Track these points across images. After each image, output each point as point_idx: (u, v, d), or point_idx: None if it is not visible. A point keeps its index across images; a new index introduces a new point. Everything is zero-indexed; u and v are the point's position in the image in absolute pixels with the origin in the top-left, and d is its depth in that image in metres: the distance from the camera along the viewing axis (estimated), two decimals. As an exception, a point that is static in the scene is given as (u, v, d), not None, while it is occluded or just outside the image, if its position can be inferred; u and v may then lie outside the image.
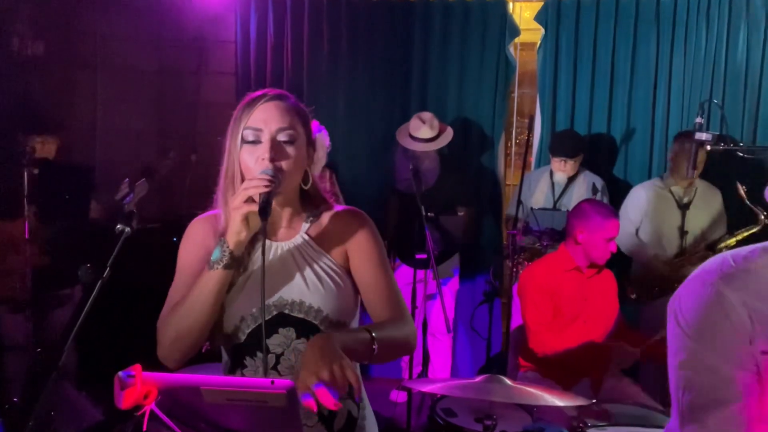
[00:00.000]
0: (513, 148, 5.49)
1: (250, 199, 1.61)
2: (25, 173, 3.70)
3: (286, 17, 5.16)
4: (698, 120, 3.28)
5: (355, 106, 5.14)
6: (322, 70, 5.14)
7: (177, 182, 4.80)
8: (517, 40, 5.08)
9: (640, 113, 4.88)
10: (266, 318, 1.67)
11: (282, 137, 1.70)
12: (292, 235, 1.80)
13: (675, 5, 4.74)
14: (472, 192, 4.92)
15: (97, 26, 5.03)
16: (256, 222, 1.64)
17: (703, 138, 3.25)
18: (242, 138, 1.70)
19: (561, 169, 4.56)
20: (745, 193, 3.80)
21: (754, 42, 4.66)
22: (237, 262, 1.69)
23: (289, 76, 5.17)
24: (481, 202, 5.06)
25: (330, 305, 1.73)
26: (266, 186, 1.60)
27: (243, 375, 1.74)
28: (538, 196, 4.66)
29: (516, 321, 3.70)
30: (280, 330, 1.71)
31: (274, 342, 1.71)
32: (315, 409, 1.36)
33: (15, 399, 3.75)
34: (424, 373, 4.55)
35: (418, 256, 4.09)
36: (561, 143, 4.58)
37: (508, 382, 2.36)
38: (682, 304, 1.24)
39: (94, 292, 1.97)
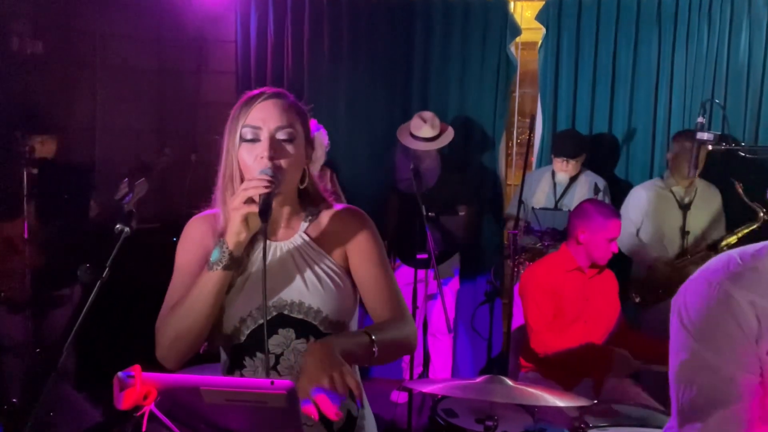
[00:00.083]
0: (514, 148, 5.49)
1: (249, 200, 1.60)
2: (25, 173, 3.69)
3: (286, 16, 5.15)
4: (700, 119, 3.27)
5: (355, 105, 5.13)
6: (322, 69, 5.13)
7: (177, 182, 4.79)
8: (518, 39, 5.07)
9: (642, 113, 4.87)
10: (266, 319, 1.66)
11: (281, 135, 1.69)
12: (291, 234, 1.80)
13: (677, 4, 4.73)
14: (472, 192, 4.91)
15: (97, 25, 5.02)
16: (256, 222, 1.63)
17: (705, 138, 3.24)
18: (241, 136, 1.69)
19: (563, 169, 4.55)
20: (742, 190, 3.80)
21: (756, 41, 4.65)
22: (236, 263, 1.68)
23: (289, 75, 5.16)
24: (482, 202, 5.05)
25: (329, 306, 1.73)
26: (266, 187, 1.59)
27: (242, 375, 1.74)
28: (539, 196, 4.65)
29: (517, 321, 3.69)
30: (280, 330, 1.71)
31: (274, 342, 1.70)
32: (316, 417, 1.36)
33: (14, 399, 3.73)
34: (424, 374, 4.54)
35: (418, 256, 4.09)
36: (563, 143, 4.57)
37: (509, 382, 2.35)
38: (687, 303, 1.23)
39: (94, 293, 1.96)
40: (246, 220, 1.63)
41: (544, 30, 4.96)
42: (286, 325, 1.71)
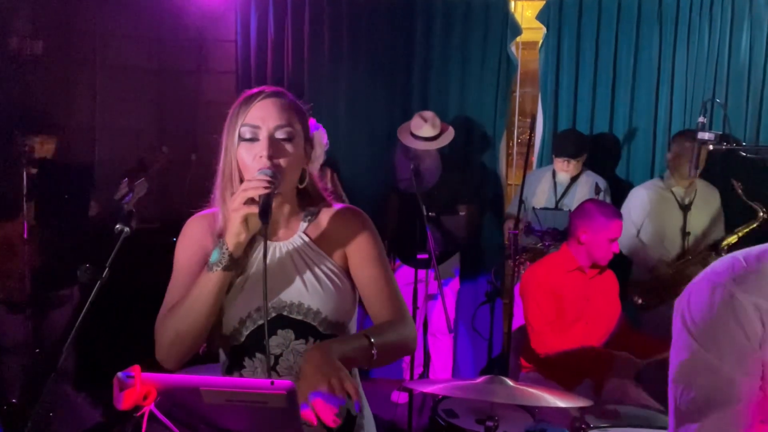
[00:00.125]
0: (515, 148, 5.48)
1: (249, 201, 1.59)
2: (24, 173, 3.68)
3: (286, 16, 5.14)
4: (701, 119, 3.26)
5: (355, 105, 5.13)
6: (322, 69, 5.12)
7: (177, 182, 4.79)
8: (518, 39, 5.07)
9: (643, 112, 4.86)
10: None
11: (280, 135, 1.68)
12: (290, 234, 1.79)
13: (677, 4, 4.73)
14: (473, 192, 4.90)
15: (97, 25, 5.01)
16: (256, 223, 1.63)
17: (706, 137, 3.23)
18: (239, 135, 1.68)
19: (564, 169, 4.54)
20: (741, 189, 3.80)
21: (757, 41, 4.65)
22: (236, 264, 1.67)
23: (289, 75, 5.15)
24: (483, 202, 5.05)
25: (328, 307, 1.72)
26: (266, 187, 1.58)
27: (241, 376, 1.73)
28: (540, 196, 4.64)
29: (518, 321, 3.69)
30: (279, 331, 1.70)
31: (273, 343, 1.70)
32: (314, 422, 1.35)
33: (14, 400, 3.73)
34: (425, 374, 4.54)
35: (419, 256, 4.08)
36: (564, 143, 4.57)
37: (510, 383, 2.35)
38: (691, 305, 1.22)
39: (93, 293, 1.96)
40: (246, 221, 1.62)
41: (544, 29, 4.95)
42: (285, 326, 1.71)
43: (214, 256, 1.65)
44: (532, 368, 3.43)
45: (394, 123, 4.89)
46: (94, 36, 5.03)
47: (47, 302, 3.97)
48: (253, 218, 1.61)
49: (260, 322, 1.68)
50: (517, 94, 5.36)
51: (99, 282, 2.00)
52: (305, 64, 5.13)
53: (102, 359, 2.97)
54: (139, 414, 1.28)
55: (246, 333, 1.71)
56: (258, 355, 1.71)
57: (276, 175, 1.63)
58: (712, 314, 1.17)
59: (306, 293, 1.71)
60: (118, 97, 5.12)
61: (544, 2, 4.93)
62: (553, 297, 3.34)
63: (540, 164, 5.01)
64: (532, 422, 2.76)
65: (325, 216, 1.83)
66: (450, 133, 4.65)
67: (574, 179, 4.58)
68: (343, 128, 5.07)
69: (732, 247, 4.05)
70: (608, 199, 4.50)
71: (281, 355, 1.71)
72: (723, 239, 4.08)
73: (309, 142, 1.78)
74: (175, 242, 1.81)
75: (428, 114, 4.60)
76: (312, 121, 1.82)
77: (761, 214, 3.91)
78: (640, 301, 4.20)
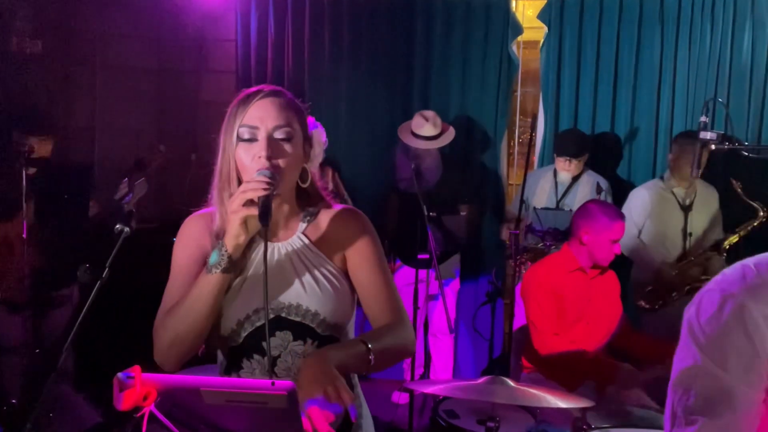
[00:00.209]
0: (516, 147, 5.47)
1: (248, 202, 1.58)
2: (24, 173, 3.67)
3: (286, 15, 5.14)
4: (703, 119, 3.26)
5: (356, 104, 5.12)
6: (323, 68, 5.12)
7: (177, 182, 4.78)
8: (519, 38, 5.07)
9: (644, 112, 4.86)
10: (264, 321, 1.64)
11: (279, 135, 1.67)
12: (289, 235, 1.78)
13: (679, 4, 4.72)
14: (474, 191, 4.90)
15: (96, 25, 5.01)
16: (255, 225, 1.62)
17: (708, 137, 3.22)
18: (238, 136, 1.67)
19: (565, 168, 4.53)
20: (741, 189, 3.80)
21: (758, 40, 4.65)
22: (235, 266, 1.67)
23: (289, 74, 5.15)
24: (484, 202, 5.04)
25: (327, 308, 1.71)
26: (265, 189, 1.57)
27: (239, 377, 1.73)
28: (541, 196, 4.63)
29: (519, 322, 3.68)
30: (277, 333, 1.70)
31: (272, 345, 1.69)
32: (309, 430, 1.35)
33: (13, 401, 3.72)
34: (425, 375, 4.53)
35: (419, 256, 4.07)
36: (566, 142, 4.56)
37: (511, 383, 2.34)
38: (700, 314, 1.19)
39: (93, 293, 1.95)
40: (245, 222, 1.61)
41: (546, 29, 4.95)
42: (283, 328, 1.70)
43: (213, 258, 1.64)
44: (534, 369, 3.42)
45: (394, 123, 4.88)
46: (94, 36, 5.03)
47: (47, 302, 3.95)
48: (252, 220, 1.60)
49: (258, 323, 1.68)
50: (518, 93, 5.36)
51: (99, 282, 1.99)
52: (305, 64, 5.13)
53: (102, 359, 2.97)
54: (139, 414, 1.28)
55: (244, 334, 1.70)
56: (256, 356, 1.70)
57: (275, 175, 1.62)
58: (720, 326, 1.15)
59: (304, 295, 1.71)
60: (117, 96, 5.11)
61: (546, 1, 4.93)
62: (554, 297, 3.33)
63: (541, 164, 5.01)
64: (533, 423, 2.75)
65: (324, 217, 1.82)
66: (451, 133, 4.64)
67: (575, 179, 4.58)
68: (343, 128, 5.07)
69: (733, 247, 4.06)
70: (609, 199, 4.49)
71: (279, 356, 1.70)
72: (725, 239, 4.08)
73: (308, 141, 1.77)
74: (174, 242, 1.80)
75: (429, 113, 4.59)
76: (310, 119, 1.81)
77: (762, 213, 3.91)
78: (645, 304, 4.18)
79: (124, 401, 1.25)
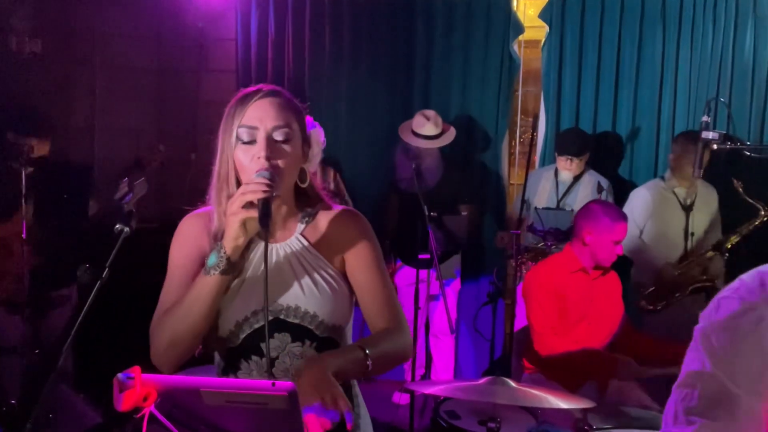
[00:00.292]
0: (517, 147, 5.46)
1: (247, 204, 1.57)
2: (23, 172, 3.67)
3: (287, 14, 5.13)
4: (704, 118, 3.25)
5: (356, 104, 5.12)
6: (323, 67, 5.11)
7: (176, 182, 4.77)
8: (521, 37, 5.06)
9: (646, 112, 4.85)
10: (263, 323, 1.64)
11: (278, 135, 1.66)
12: (287, 236, 1.78)
13: (681, 2, 4.72)
14: (475, 191, 4.89)
15: (96, 23, 5.01)
16: (254, 227, 1.61)
17: (710, 136, 3.22)
18: (237, 136, 1.66)
19: (567, 167, 4.52)
20: (742, 188, 3.79)
21: (760, 39, 4.65)
22: (234, 268, 1.66)
23: (290, 74, 5.14)
24: (485, 202, 5.03)
25: (325, 310, 1.71)
26: (265, 191, 1.56)
27: (237, 378, 1.72)
28: (542, 195, 4.62)
29: (520, 322, 3.66)
30: (276, 335, 1.69)
31: (270, 346, 1.68)
32: None
33: (13, 401, 3.71)
34: (426, 375, 4.52)
35: (420, 256, 4.06)
36: (567, 141, 4.55)
37: (512, 384, 2.35)
38: (715, 319, 1.17)
39: (93, 293, 1.94)
40: (244, 224, 1.60)
41: (547, 28, 4.94)
42: (282, 330, 1.70)
43: (212, 260, 1.63)
44: (535, 369, 3.41)
45: (395, 122, 4.87)
46: (94, 35, 5.03)
47: (46, 302, 3.95)
48: (251, 221, 1.59)
49: (257, 325, 1.68)
50: (520, 93, 5.36)
51: (99, 282, 1.98)
52: (306, 63, 5.12)
53: (102, 360, 2.96)
54: (139, 415, 1.28)
55: (243, 336, 1.70)
56: (254, 357, 1.70)
57: (274, 177, 1.61)
58: (735, 335, 1.13)
59: (303, 297, 1.70)
60: (117, 96, 5.11)
61: (547, 0, 4.92)
62: (555, 298, 3.32)
63: (542, 164, 5.00)
64: (534, 424, 2.75)
65: (323, 218, 1.81)
66: (451, 133, 4.64)
67: (576, 179, 4.57)
68: (343, 128, 5.07)
69: (734, 247, 4.05)
70: (611, 199, 4.48)
71: (277, 357, 1.70)
72: (727, 239, 4.07)
73: (306, 141, 1.76)
74: None
75: (430, 113, 4.59)
76: (309, 119, 1.81)
77: (763, 213, 3.91)
78: (647, 305, 4.17)
79: (124, 402, 1.25)
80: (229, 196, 1.65)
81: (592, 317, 3.38)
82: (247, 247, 1.70)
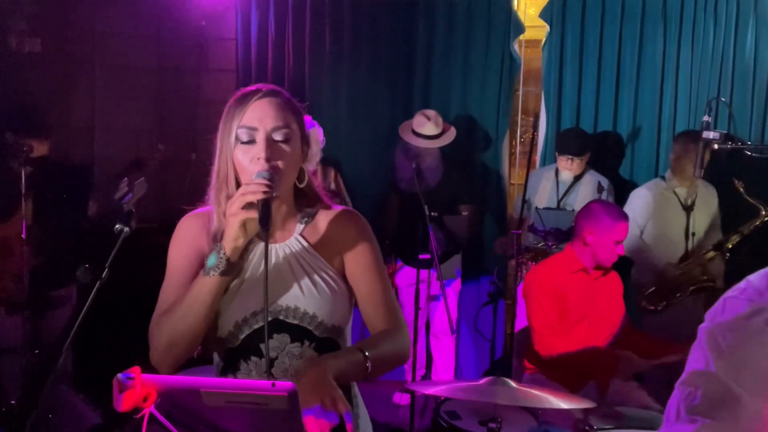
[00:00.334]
0: (518, 147, 5.46)
1: (247, 205, 1.57)
2: (22, 172, 3.66)
3: (287, 14, 5.13)
4: (705, 118, 3.25)
5: (357, 103, 5.11)
6: (324, 67, 5.11)
7: (176, 182, 4.76)
8: (521, 37, 5.05)
9: (647, 111, 4.85)
10: (262, 324, 1.64)
11: (277, 136, 1.66)
12: (286, 236, 1.77)
13: (682, 2, 4.72)
14: (475, 191, 4.88)
15: (96, 23, 5.00)
16: (254, 227, 1.61)
17: (711, 136, 3.21)
18: (236, 137, 1.65)
19: (567, 167, 4.51)
20: (743, 188, 3.79)
21: (762, 39, 4.64)
22: (233, 268, 1.66)
23: (290, 73, 5.14)
24: (485, 202, 5.03)
25: (325, 311, 1.71)
26: (265, 192, 1.56)
27: (235, 378, 1.72)
28: (542, 195, 4.62)
29: (521, 322, 3.66)
30: (275, 335, 1.69)
31: (269, 346, 1.68)
32: None
33: (12, 402, 3.71)
34: (427, 376, 4.51)
35: (421, 256, 4.06)
36: (568, 141, 4.54)
37: (513, 384, 2.34)
38: (722, 320, 1.16)
39: (93, 293, 1.93)
40: (244, 225, 1.60)
41: (547, 27, 4.94)
42: (281, 330, 1.70)
43: (211, 261, 1.63)
44: (536, 370, 3.41)
45: (395, 122, 4.87)
46: (93, 34, 5.02)
47: (46, 303, 3.94)
48: (251, 222, 1.59)
49: (256, 326, 1.68)
50: (520, 92, 5.35)
51: (98, 282, 1.98)
52: (306, 63, 5.11)
53: (101, 360, 2.95)
54: (138, 416, 1.28)
55: (242, 337, 1.70)
56: (253, 358, 1.70)
57: (274, 177, 1.61)
58: (742, 336, 1.13)
59: (302, 297, 1.70)
60: (117, 96, 5.11)
61: (548, 0, 4.91)
62: (555, 298, 3.32)
63: (543, 163, 4.99)
64: (535, 424, 2.75)
65: (322, 218, 1.81)
66: (452, 133, 4.63)
67: (577, 178, 4.56)
68: (344, 127, 5.06)
69: (735, 247, 4.04)
70: (611, 199, 4.47)
71: (276, 358, 1.70)
72: (728, 239, 4.06)
73: (305, 141, 1.76)
74: None
75: (431, 112, 4.58)
76: (307, 118, 1.80)
77: (764, 212, 3.90)
78: (648, 306, 4.16)
79: (123, 402, 1.25)
80: (229, 197, 1.64)
81: (593, 317, 3.37)
82: (246, 247, 1.70)
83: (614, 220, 3.29)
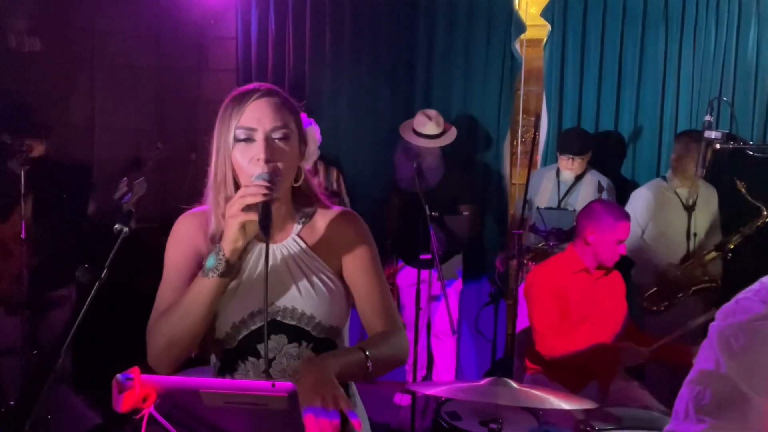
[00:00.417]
0: (519, 147, 5.45)
1: (247, 207, 1.56)
2: (21, 172, 3.65)
3: (287, 13, 5.13)
4: (707, 118, 3.24)
5: (357, 103, 5.10)
6: (324, 66, 5.10)
7: (176, 181, 4.76)
8: (523, 36, 5.05)
9: (648, 111, 4.84)
10: (260, 324, 1.64)
11: (276, 136, 1.65)
12: (284, 237, 1.77)
13: (684, 1, 4.72)
14: (476, 191, 4.88)
15: (95, 22, 5.00)
16: (253, 229, 1.60)
17: (713, 136, 3.21)
18: (234, 137, 1.64)
19: (568, 167, 4.50)
20: (744, 188, 3.78)
21: (764, 38, 4.64)
22: (232, 270, 1.65)
23: (290, 72, 5.13)
24: (486, 202, 5.02)
25: (322, 311, 1.71)
26: (265, 194, 1.55)
27: (233, 378, 1.72)
28: (543, 195, 4.61)
29: (522, 323, 3.65)
30: (273, 336, 1.69)
31: (267, 347, 1.67)
32: None
33: (11, 402, 3.70)
34: (428, 376, 4.51)
35: (422, 257, 4.05)
36: (569, 140, 4.54)
37: (514, 384, 2.34)
38: (734, 321, 1.16)
39: (92, 293, 1.92)
40: (243, 227, 1.59)
41: (549, 27, 4.93)
42: (279, 331, 1.69)
43: (210, 262, 1.62)
44: (537, 370, 3.40)
45: (396, 121, 4.85)
46: (93, 33, 5.02)
47: (45, 303, 3.94)
48: (250, 224, 1.59)
49: (254, 326, 1.67)
50: (521, 92, 5.35)
51: (98, 282, 1.97)
52: (306, 62, 5.11)
53: (101, 361, 2.95)
54: (138, 416, 1.27)
55: (239, 338, 1.69)
56: (251, 358, 1.70)
57: (274, 178, 1.60)
58: (755, 338, 1.12)
59: (300, 298, 1.70)
60: (117, 95, 5.11)
61: (549, -1, 4.91)
62: (557, 298, 3.31)
63: (544, 163, 4.99)
64: (536, 425, 2.74)
65: (320, 219, 1.80)
66: (452, 133, 4.63)
67: (578, 178, 4.55)
68: (344, 127, 5.06)
69: (737, 247, 4.03)
70: (612, 199, 4.46)
71: (274, 358, 1.70)
72: (729, 239, 4.05)
73: (303, 140, 1.76)
74: None
75: (432, 112, 4.58)
76: (303, 116, 1.79)
77: (765, 213, 3.89)
78: (650, 306, 4.15)
79: (123, 403, 1.25)
80: (227, 198, 1.64)
81: (594, 318, 3.36)
82: (244, 248, 1.69)
83: (616, 220, 3.28)
